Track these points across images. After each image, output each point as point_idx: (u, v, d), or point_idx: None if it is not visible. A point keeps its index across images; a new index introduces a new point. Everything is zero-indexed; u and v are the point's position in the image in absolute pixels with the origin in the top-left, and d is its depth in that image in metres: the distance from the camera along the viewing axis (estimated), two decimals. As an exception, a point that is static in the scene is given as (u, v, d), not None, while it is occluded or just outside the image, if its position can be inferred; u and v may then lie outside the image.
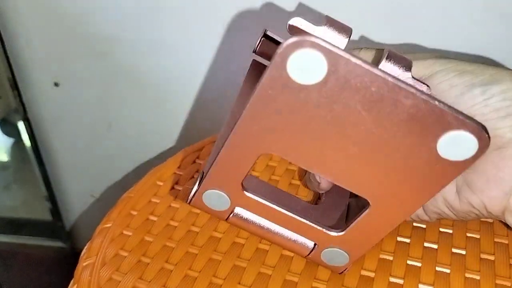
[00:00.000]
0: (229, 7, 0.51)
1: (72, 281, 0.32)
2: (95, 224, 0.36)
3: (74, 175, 0.72)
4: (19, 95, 0.63)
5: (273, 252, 0.31)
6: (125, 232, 0.34)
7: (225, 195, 0.27)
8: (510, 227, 0.30)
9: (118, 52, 0.58)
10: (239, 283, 0.29)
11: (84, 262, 0.32)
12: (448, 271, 0.29)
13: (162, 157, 0.42)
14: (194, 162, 0.41)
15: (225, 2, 0.51)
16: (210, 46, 0.55)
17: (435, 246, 0.31)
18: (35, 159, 0.68)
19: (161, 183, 0.39)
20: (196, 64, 0.57)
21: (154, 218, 0.35)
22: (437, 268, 0.29)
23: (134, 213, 0.36)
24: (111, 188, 0.70)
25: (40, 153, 0.69)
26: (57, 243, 0.76)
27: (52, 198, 0.72)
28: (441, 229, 0.32)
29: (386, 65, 0.25)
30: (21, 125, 0.66)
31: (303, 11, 0.47)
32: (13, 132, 0.76)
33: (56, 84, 0.62)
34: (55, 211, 0.73)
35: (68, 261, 0.77)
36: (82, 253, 0.33)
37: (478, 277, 0.28)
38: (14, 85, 0.62)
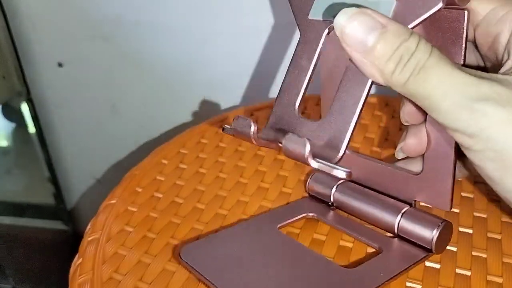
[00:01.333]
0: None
1: (76, 256, 0.32)
2: (97, 206, 0.36)
3: (76, 157, 0.72)
4: (23, 76, 0.63)
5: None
6: (130, 208, 0.34)
7: None
8: None
9: (122, 34, 0.58)
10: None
11: (89, 237, 0.32)
12: None
13: (165, 139, 0.42)
14: (198, 142, 0.41)
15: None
16: (212, 30, 0.54)
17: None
18: (38, 141, 0.68)
19: (165, 162, 0.39)
20: (199, 47, 0.56)
21: (159, 195, 0.35)
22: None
23: (139, 190, 0.36)
24: (113, 171, 0.70)
25: (43, 135, 0.69)
26: (59, 225, 0.76)
27: (54, 180, 0.72)
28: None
29: None
30: (24, 106, 0.66)
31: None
32: (15, 117, 0.76)
33: (60, 65, 0.62)
34: (58, 193, 0.73)
35: (70, 243, 0.77)
36: (87, 228, 0.33)
37: None
38: (18, 66, 0.62)
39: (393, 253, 0.28)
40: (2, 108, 0.75)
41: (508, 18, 0.24)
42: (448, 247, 0.29)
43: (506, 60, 0.24)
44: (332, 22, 0.23)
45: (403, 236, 0.29)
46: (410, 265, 0.27)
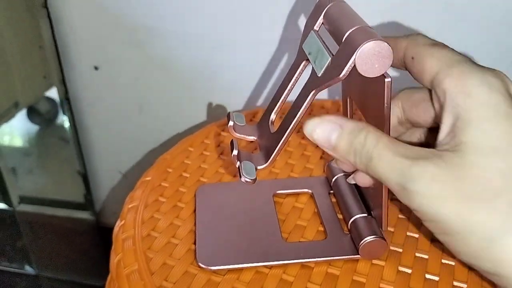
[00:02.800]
0: (254, 3, 0.58)
1: (118, 221, 0.38)
2: (122, 199, 0.40)
3: (105, 153, 0.79)
4: (63, 77, 0.70)
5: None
6: (162, 184, 0.40)
7: None
8: None
9: (154, 41, 0.65)
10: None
11: (128, 205, 0.39)
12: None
13: (184, 136, 0.49)
14: (219, 134, 0.48)
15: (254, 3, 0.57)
16: (232, 39, 0.61)
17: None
18: (72, 136, 0.75)
19: (192, 149, 0.45)
20: (219, 54, 0.63)
21: (187, 175, 0.41)
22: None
23: (170, 170, 0.42)
24: (138, 167, 0.77)
25: (77, 132, 0.75)
26: (86, 215, 0.82)
27: (84, 175, 0.79)
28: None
29: None
30: (62, 104, 0.73)
31: None
32: (39, 120, 0.83)
33: (96, 68, 0.69)
34: (86, 186, 0.80)
35: (95, 233, 0.84)
36: (126, 199, 0.40)
37: None
38: (59, 67, 0.69)
39: (332, 242, 0.33)
40: (28, 111, 0.82)
41: (442, 86, 0.25)
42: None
43: (440, 131, 0.25)
44: (306, 57, 0.30)
45: (350, 234, 0.34)
46: (334, 257, 0.32)
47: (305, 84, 0.29)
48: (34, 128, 0.85)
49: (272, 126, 0.33)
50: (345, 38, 0.26)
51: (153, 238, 0.35)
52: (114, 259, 0.35)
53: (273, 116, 0.33)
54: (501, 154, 0.22)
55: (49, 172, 0.89)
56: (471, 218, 0.22)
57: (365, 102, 0.31)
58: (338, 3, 0.30)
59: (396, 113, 0.31)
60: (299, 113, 0.28)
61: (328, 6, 0.31)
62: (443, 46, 0.27)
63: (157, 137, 0.72)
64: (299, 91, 0.30)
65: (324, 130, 0.26)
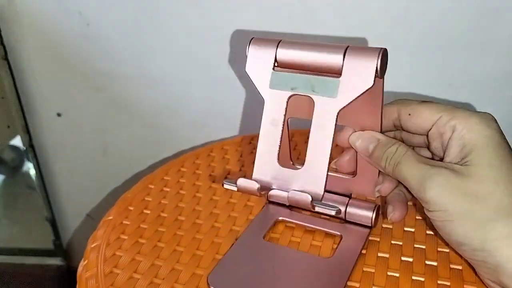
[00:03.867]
0: (207, 45, 0.61)
1: (81, 261, 0.39)
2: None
3: (72, 197, 0.80)
4: (26, 125, 0.72)
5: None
6: (124, 222, 0.42)
7: None
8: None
9: (114, 86, 0.68)
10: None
11: (91, 244, 0.40)
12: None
13: (150, 171, 0.51)
14: (179, 170, 0.50)
15: (204, 42, 0.61)
16: (193, 80, 0.64)
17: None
18: (37, 183, 0.76)
19: (152, 186, 0.47)
20: (182, 95, 0.66)
21: (148, 211, 0.43)
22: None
23: (131, 208, 0.44)
24: (105, 208, 0.77)
25: (43, 177, 0.76)
26: (57, 261, 0.82)
27: (52, 221, 0.79)
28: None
29: None
30: (26, 152, 0.74)
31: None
32: (4, 169, 0.83)
33: (59, 114, 0.71)
34: (55, 232, 0.80)
35: (66, 277, 0.83)
36: (89, 239, 0.41)
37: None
38: (22, 116, 0.70)
39: (350, 236, 0.38)
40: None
41: (450, 124, 0.33)
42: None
43: (446, 153, 0.33)
44: (290, 93, 0.34)
45: (350, 220, 0.39)
46: (364, 242, 0.37)
47: (316, 113, 0.34)
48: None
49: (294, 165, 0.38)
50: (348, 53, 0.32)
51: (115, 274, 0.36)
52: (78, 298, 0.36)
53: (277, 160, 0.35)
54: (495, 169, 0.31)
55: (16, 221, 0.89)
56: (470, 208, 0.30)
57: (357, 107, 0.35)
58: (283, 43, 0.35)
59: (392, 118, 0.37)
60: (330, 134, 0.33)
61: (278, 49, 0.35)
62: (431, 101, 0.35)
63: (122, 177, 0.73)
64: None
65: (364, 140, 0.36)
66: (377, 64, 0.31)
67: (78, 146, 0.74)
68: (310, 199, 0.33)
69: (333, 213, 0.33)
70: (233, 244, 0.38)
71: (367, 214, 0.38)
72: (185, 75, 0.64)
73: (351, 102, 0.33)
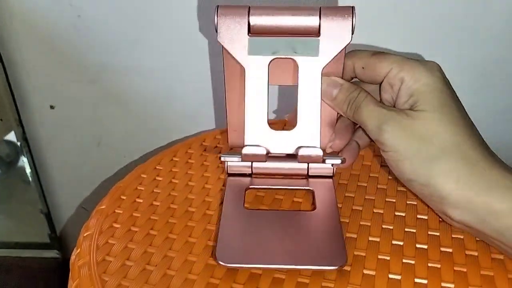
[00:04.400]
0: (200, 35, 0.61)
1: (74, 249, 0.40)
2: None
3: (68, 191, 0.80)
4: (19, 118, 0.71)
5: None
6: (117, 211, 0.42)
7: None
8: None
9: (106, 77, 0.67)
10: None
11: (84, 233, 0.40)
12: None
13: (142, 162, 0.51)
14: (171, 160, 0.50)
15: (197, 32, 0.61)
16: (186, 70, 0.64)
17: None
18: (32, 176, 0.76)
19: (144, 176, 0.47)
20: (175, 86, 0.66)
21: (140, 200, 0.43)
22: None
23: (124, 197, 0.44)
24: (100, 200, 0.77)
25: (37, 171, 0.76)
26: (52, 254, 0.82)
27: (47, 213, 0.79)
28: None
29: None
30: (21, 146, 0.74)
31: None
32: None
33: (52, 107, 0.71)
34: (50, 225, 0.80)
35: (62, 269, 0.84)
36: (82, 228, 0.41)
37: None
38: (15, 110, 0.70)
39: (321, 188, 0.40)
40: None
41: (399, 76, 0.36)
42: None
43: (397, 103, 0.37)
44: (271, 57, 0.36)
45: (313, 174, 0.41)
46: (335, 190, 0.40)
47: (301, 74, 0.37)
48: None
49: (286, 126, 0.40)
50: (323, 14, 0.36)
51: (108, 262, 0.36)
52: (71, 286, 0.36)
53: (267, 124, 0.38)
54: (439, 112, 0.34)
55: (12, 215, 0.89)
56: (417, 148, 0.33)
57: None
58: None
59: (348, 70, 0.40)
60: (318, 92, 0.37)
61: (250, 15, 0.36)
62: (380, 53, 0.37)
63: (116, 168, 0.73)
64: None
65: (329, 85, 0.38)
66: (352, 21, 0.35)
67: (72, 138, 0.74)
68: (322, 152, 0.38)
69: (339, 162, 0.38)
70: (219, 221, 0.38)
71: (328, 166, 0.41)
72: (178, 65, 0.64)
73: (333, 58, 0.36)
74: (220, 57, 0.39)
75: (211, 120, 0.66)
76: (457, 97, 0.36)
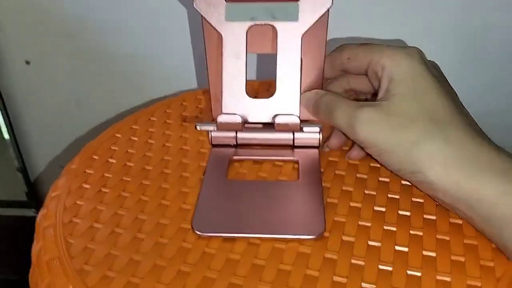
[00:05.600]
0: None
1: (41, 210, 0.38)
2: None
3: (45, 149, 0.77)
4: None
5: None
6: (87, 170, 0.40)
7: None
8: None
9: (84, 32, 0.64)
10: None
11: (52, 193, 0.38)
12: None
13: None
14: (148, 119, 0.47)
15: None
16: (168, 28, 0.61)
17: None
18: (8, 133, 0.73)
19: (119, 135, 0.45)
20: (157, 43, 0.63)
21: (113, 161, 0.41)
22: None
23: (96, 157, 0.42)
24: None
25: (13, 129, 0.73)
26: (31, 213, 0.81)
27: (24, 171, 0.77)
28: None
29: None
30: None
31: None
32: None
33: (27, 62, 0.68)
34: (27, 183, 0.78)
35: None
36: (50, 188, 0.39)
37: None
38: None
39: (305, 158, 0.39)
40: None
41: (380, 62, 0.35)
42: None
43: (379, 90, 0.35)
44: (250, 23, 0.35)
45: (298, 144, 0.40)
46: (319, 161, 0.39)
47: (280, 39, 0.35)
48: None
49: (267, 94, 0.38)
50: None
51: (75, 224, 0.34)
52: (35, 248, 0.34)
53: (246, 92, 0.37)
54: (415, 98, 0.32)
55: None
56: (397, 138, 0.32)
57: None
58: None
59: (343, 85, 0.40)
60: (298, 59, 0.36)
61: None
62: (366, 43, 0.37)
63: (96, 130, 0.71)
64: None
65: (308, 99, 0.38)
66: None
67: (49, 96, 0.71)
68: (299, 120, 0.36)
69: (317, 129, 0.37)
70: (200, 191, 0.37)
71: (315, 136, 0.39)
72: (159, 22, 0.61)
73: (313, 24, 0.35)
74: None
75: (194, 80, 0.63)
76: (444, 80, 0.35)
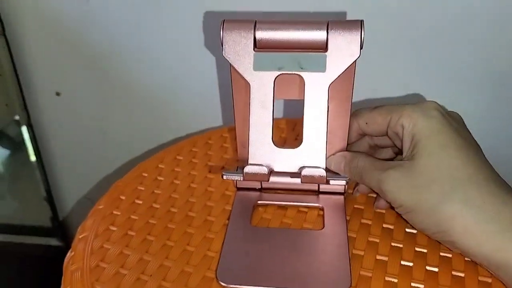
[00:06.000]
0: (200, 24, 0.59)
1: (69, 252, 0.38)
2: None
3: (71, 179, 0.79)
4: (24, 104, 0.70)
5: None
6: (115, 212, 0.40)
7: None
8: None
9: (113, 66, 0.66)
10: (209, 250, 0.36)
11: (80, 235, 0.39)
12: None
13: (147, 157, 0.49)
14: (174, 158, 0.48)
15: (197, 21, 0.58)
16: (190, 59, 0.62)
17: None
18: (36, 164, 0.74)
19: (146, 174, 0.45)
20: (181, 74, 0.64)
21: (139, 202, 0.42)
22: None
23: (123, 197, 0.42)
24: (102, 190, 0.76)
25: (41, 158, 0.75)
26: (54, 242, 0.81)
27: (50, 200, 0.78)
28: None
29: None
30: (24, 131, 0.73)
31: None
32: (9, 144, 0.82)
33: (57, 94, 0.69)
34: (53, 212, 0.79)
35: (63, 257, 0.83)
36: (78, 229, 0.40)
37: None
38: (21, 95, 0.69)
39: (330, 205, 0.39)
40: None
41: (399, 123, 0.36)
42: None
43: (403, 150, 0.36)
44: (277, 73, 0.35)
45: (324, 191, 0.40)
46: (345, 208, 0.39)
47: (308, 90, 0.36)
48: (4, 152, 0.84)
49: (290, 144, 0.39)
50: (330, 28, 0.34)
51: (102, 269, 0.35)
52: (63, 290, 0.34)
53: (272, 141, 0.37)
54: (435, 157, 0.33)
55: (16, 197, 0.88)
56: (419, 199, 0.33)
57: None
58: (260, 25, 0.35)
59: (367, 142, 0.41)
60: (325, 109, 0.36)
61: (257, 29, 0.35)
62: (380, 106, 0.38)
63: (120, 159, 0.72)
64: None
65: (336, 163, 0.39)
66: (361, 35, 0.34)
67: (77, 127, 0.72)
68: (325, 173, 0.36)
69: (344, 182, 0.37)
70: (224, 238, 0.37)
71: (341, 183, 0.38)
72: (185, 56, 0.62)
73: (340, 74, 0.35)
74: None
75: (219, 117, 0.64)
76: (465, 132, 0.35)
